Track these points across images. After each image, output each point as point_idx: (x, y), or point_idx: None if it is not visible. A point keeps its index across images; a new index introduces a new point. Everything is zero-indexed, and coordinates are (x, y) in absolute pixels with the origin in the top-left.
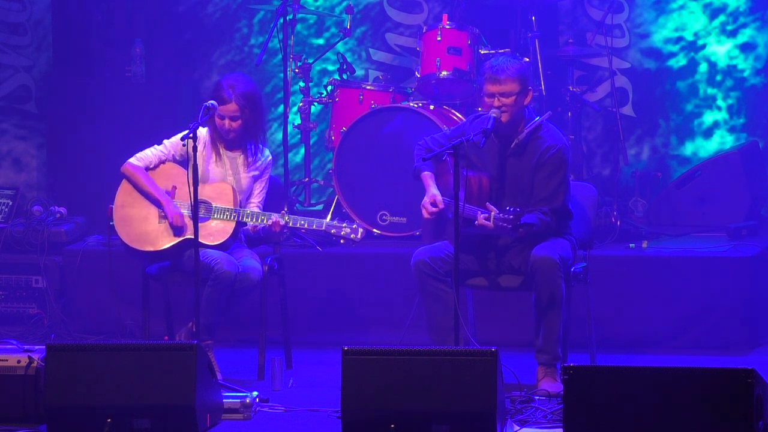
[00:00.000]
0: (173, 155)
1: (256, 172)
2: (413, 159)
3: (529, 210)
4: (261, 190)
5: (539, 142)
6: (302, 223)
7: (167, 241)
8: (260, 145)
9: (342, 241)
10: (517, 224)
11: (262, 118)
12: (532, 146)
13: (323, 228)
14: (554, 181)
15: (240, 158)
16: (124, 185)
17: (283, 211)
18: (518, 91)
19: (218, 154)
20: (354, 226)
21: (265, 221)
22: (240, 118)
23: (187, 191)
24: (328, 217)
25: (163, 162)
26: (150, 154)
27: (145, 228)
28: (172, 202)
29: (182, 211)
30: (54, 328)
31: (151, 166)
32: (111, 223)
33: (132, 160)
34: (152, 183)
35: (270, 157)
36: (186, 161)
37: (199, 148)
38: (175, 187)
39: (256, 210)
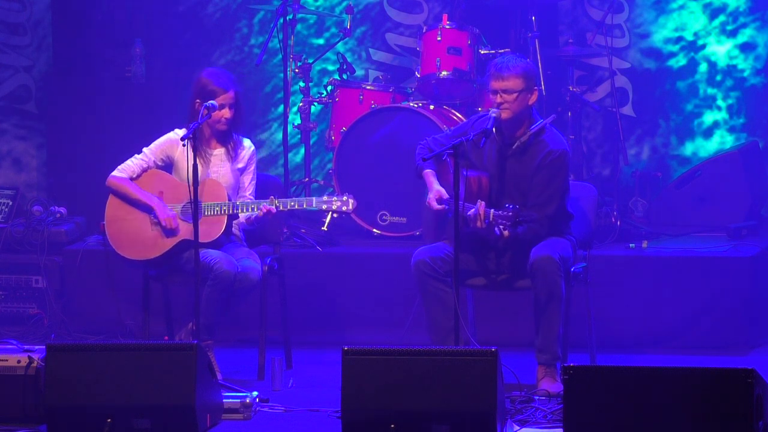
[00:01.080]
0: (154, 161)
1: (241, 164)
2: (415, 159)
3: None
4: (250, 182)
5: (541, 145)
6: (292, 204)
7: (164, 247)
8: (240, 137)
9: (335, 215)
10: (517, 221)
11: (245, 107)
12: (534, 149)
13: (314, 205)
14: (551, 187)
15: (221, 154)
16: (112, 199)
17: (271, 197)
18: (521, 88)
19: (202, 154)
20: (345, 198)
21: (255, 209)
22: (234, 106)
23: (175, 195)
24: (328, 218)
25: (145, 170)
26: (132, 164)
27: (139, 238)
28: (162, 204)
29: (174, 212)
30: (54, 328)
31: (135, 176)
32: (105, 234)
33: (115, 172)
34: (139, 189)
35: (253, 147)
36: (168, 166)
37: (179, 151)
38: (161, 192)
39: (247, 201)
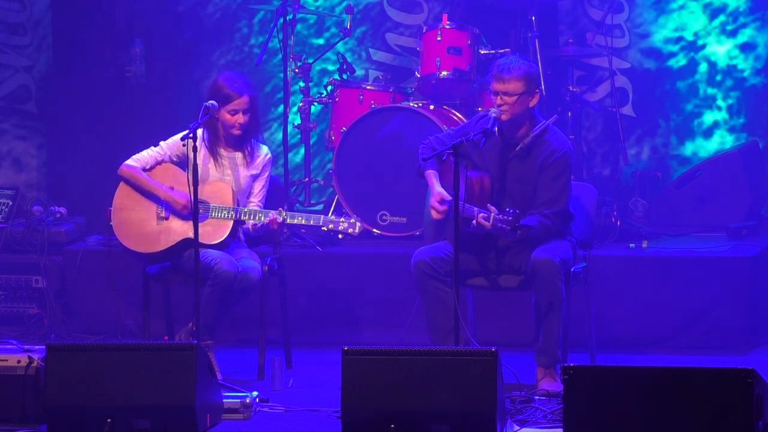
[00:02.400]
0: (170, 156)
1: (255, 171)
2: (417, 158)
3: (530, 212)
4: (261, 189)
5: (544, 145)
6: (300, 219)
7: (166, 243)
8: (258, 143)
9: (340, 236)
10: (516, 226)
11: (261, 112)
12: (538, 149)
13: (320, 223)
14: (557, 184)
15: (238, 157)
16: (122, 188)
17: (280, 209)
18: (522, 91)
19: (216, 156)
20: (352, 221)
21: (262, 219)
22: (249, 111)
23: (185, 191)
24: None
25: (159, 163)
26: (146, 155)
27: (143, 230)
28: (175, 191)
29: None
30: (54, 328)
31: (148, 167)
32: (110, 223)
33: (129, 161)
34: (151, 179)
35: (269, 155)
36: (183, 162)
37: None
38: (172, 188)
39: (255, 208)
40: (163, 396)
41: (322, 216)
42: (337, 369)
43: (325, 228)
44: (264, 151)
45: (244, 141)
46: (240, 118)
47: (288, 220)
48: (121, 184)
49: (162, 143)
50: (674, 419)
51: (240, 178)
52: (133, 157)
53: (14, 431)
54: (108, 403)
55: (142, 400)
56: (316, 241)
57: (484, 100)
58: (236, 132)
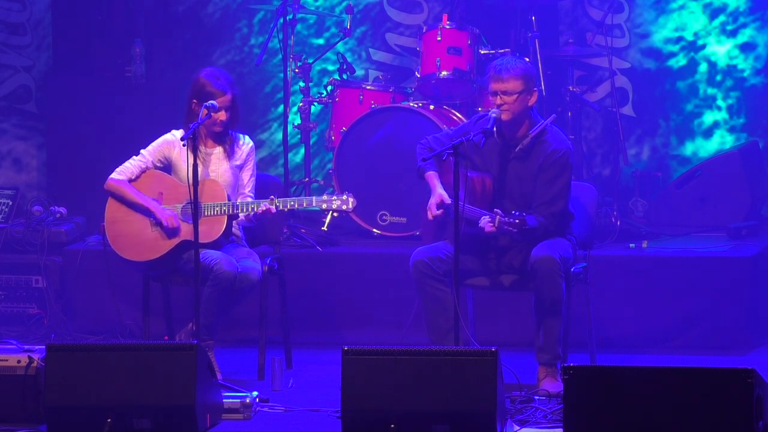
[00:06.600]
0: (152, 162)
1: (239, 161)
2: (416, 158)
3: (529, 213)
4: (249, 179)
5: (544, 145)
6: (292, 203)
7: (164, 248)
8: (237, 133)
9: (335, 215)
10: (522, 228)
11: (242, 108)
12: (537, 149)
13: (314, 204)
14: (556, 185)
15: (220, 152)
16: (111, 202)
17: (271, 197)
18: (521, 90)
19: (198, 153)
20: (344, 197)
21: (256, 209)
22: (231, 108)
23: (174, 195)
24: (328, 218)
25: (144, 171)
26: (130, 166)
27: (139, 239)
28: (161, 206)
29: (173, 210)
30: (54, 328)
31: (133, 177)
32: (105, 236)
33: (113, 175)
34: (137, 192)
35: (251, 144)
36: (166, 166)
37: (177, 151)
38: (161, 193)
39: (247, 200)
40: (163, 396)
41: (314, 197)
42: (337, 369)
43: (321, 207)
44: (245, 141)
45: (224, 135)
46: (222, 116)
47: (280, 207)
48: (110, 199)
49: (143, 151)
50: (674, 419)
51: (224, 172)
52: (117, 170)
53: (14, 431)
54: (108, 403)
55: (142, 400)
56: (316, 241)
57: (484, 100)
58: (217, 129)
